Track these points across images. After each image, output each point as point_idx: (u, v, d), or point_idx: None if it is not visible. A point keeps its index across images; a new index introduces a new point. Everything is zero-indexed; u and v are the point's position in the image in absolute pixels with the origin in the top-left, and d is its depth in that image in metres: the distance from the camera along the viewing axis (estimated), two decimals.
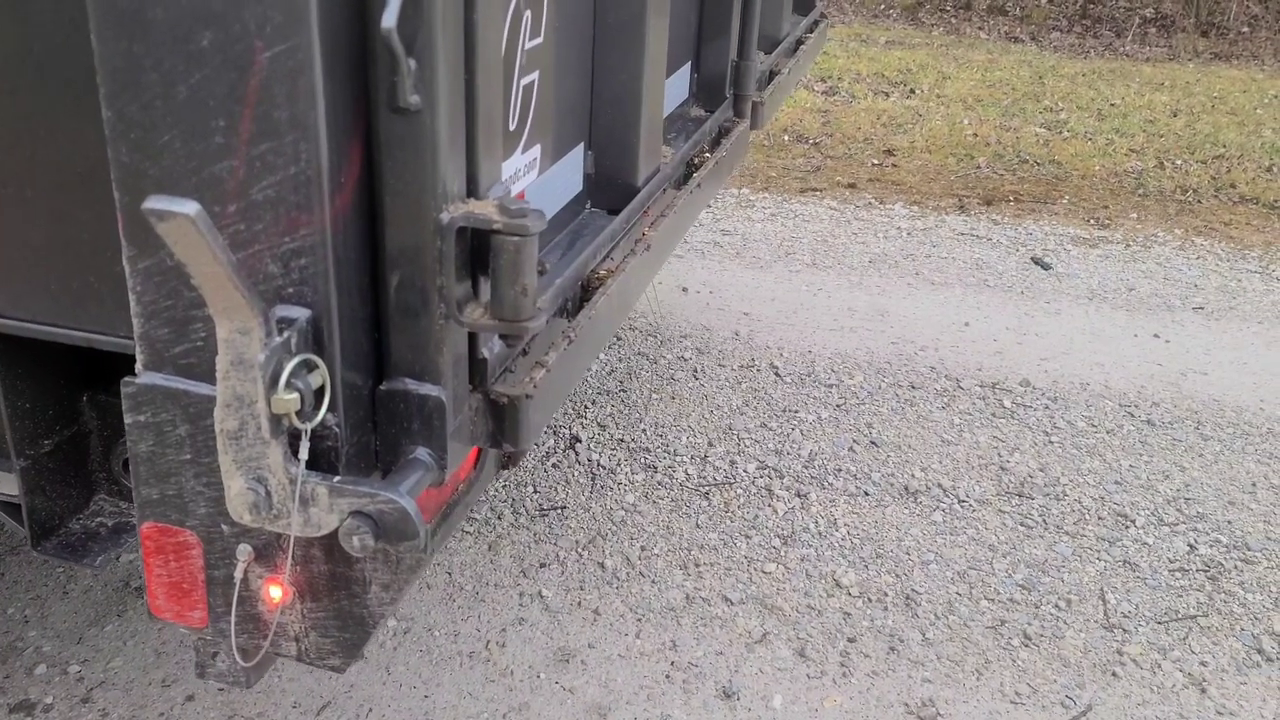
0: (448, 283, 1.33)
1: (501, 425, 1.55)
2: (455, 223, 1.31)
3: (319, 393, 1.30)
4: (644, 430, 3.68)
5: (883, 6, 11.24)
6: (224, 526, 1.44)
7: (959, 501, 3.39)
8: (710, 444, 3.62)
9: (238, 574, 1.46)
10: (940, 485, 3.47)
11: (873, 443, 3.67)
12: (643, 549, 3.12)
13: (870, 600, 2.97)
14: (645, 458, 3.53)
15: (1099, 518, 3.34)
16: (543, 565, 3.04)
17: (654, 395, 3.91)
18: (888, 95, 8.07)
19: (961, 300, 4.75)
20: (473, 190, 1.39)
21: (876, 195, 6.06)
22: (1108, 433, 3.78)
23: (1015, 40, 10.28)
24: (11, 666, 2.62)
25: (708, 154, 2.63)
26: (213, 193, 1.26)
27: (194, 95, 1.23)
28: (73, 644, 2.70)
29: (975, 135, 7.21)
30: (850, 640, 2.83)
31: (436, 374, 1.39)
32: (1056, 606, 2.96)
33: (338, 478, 1.32)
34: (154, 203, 1.10)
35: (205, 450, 1.38)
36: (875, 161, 6.70)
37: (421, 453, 1.42)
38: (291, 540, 1.35)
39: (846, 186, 6.21)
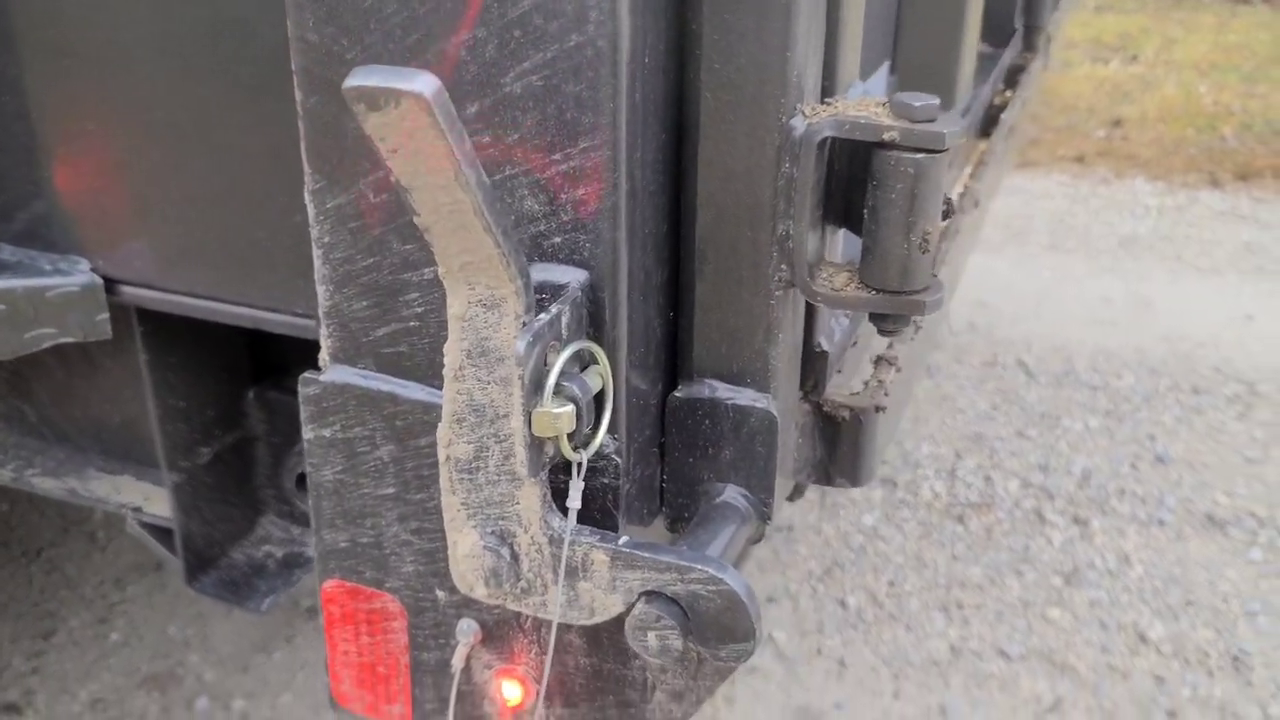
0: (797, 230, 0.84)
1: (834, 451, 1.04)
2: (817, 131, 0.82)
3: (596, 402, 0.83)
4: None
5: None
6: (440, 594, 0.98)
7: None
8: (958, 455, 3.04)
9: (458, 660, 1.00)
10: (1253, 514, 2.81)
11: (1158, 459, 3.03)
12: (890, 584, 2.58)
13: (1188, 661, 2.36)
14: (882, 469, 2.98)
15: None
16: (770, 600, 2.54)
17: None
18: (1107, 62, 7.24)
19: (1238, 289, 4.02)
20: (829, 89, 0.89)
21: (1111, 169, 5.33)
22: None
23: (1243, 1, 9.20)
24: (171, 697, 2.28)
25: (1008, 93, 2.07)
26: (442, 83, 0.80)
27: None
28: (237, 673, 2.35)
29: (1215, 103, 6.35)
30: (1170, 714, 2.23)
31: (765, 374, 0.90)
32: None
33: (624, 539, 0.84)
34: (363, 77, 0.64)
35: (417, 484, 0.93)
36: (1102, 133, 5.94)
37: (733, 494, 0.94)
38: (555, 627, 0.88)
39: (1073, 160, 5.50)
